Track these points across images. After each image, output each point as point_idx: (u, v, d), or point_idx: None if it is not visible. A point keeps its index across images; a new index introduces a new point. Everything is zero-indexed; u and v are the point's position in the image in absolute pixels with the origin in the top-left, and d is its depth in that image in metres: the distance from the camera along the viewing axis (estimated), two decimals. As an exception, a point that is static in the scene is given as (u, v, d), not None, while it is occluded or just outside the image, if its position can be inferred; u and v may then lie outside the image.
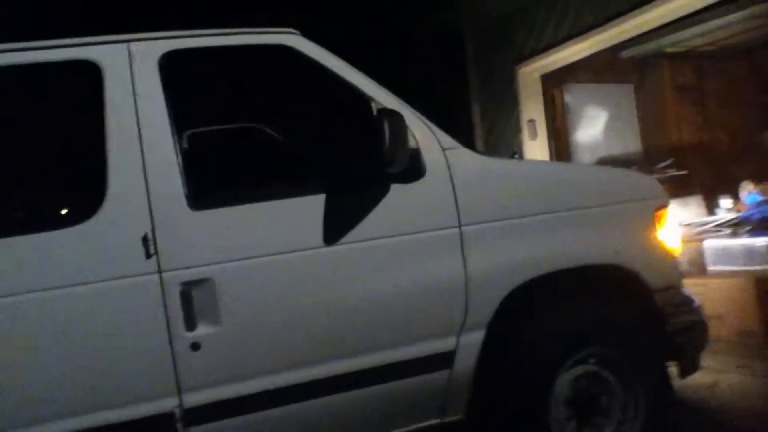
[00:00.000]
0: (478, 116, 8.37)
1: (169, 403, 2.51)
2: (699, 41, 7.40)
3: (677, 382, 3.25)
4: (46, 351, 2.40)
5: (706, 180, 7.36)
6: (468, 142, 3.05)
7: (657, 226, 3.22)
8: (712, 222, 6.27)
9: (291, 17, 2.81)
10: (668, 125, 8.20)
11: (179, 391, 2.52)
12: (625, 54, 7.49)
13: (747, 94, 8.14)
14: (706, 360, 3.41)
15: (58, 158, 2.77)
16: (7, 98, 2.65)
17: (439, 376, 2.83)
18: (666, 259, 3.25)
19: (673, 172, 7.23)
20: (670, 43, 7.28)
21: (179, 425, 2.51)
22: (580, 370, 3.02)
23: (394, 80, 2.90)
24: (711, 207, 6.71)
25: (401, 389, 2.77)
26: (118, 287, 2.46)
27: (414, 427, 2.89)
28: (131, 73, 2.59)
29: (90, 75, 2.55)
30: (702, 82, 8.29)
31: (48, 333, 2.40)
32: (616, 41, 6.63)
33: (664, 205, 3.29)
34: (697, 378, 3.64)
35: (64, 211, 2.65)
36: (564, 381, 2.98)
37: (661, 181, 3.57)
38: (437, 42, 8.14)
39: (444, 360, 2.83)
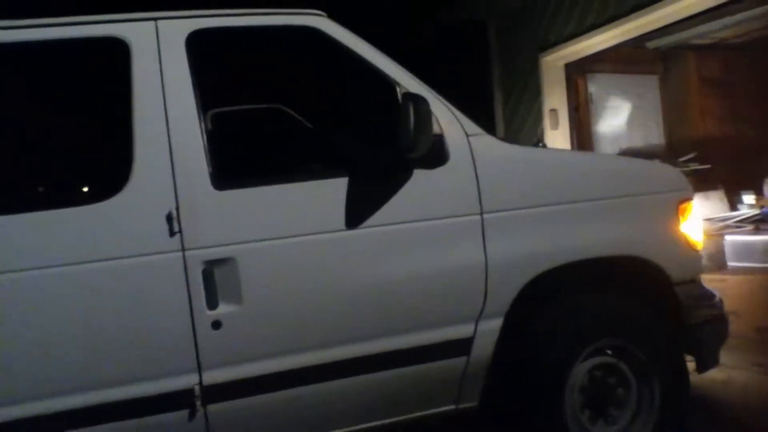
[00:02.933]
0: (500, 104, 8.32)
1: (188, 380, 2.54)
2: (727, 33, 7.28)
3: (693, 377, 3.24)
4: (68, 325, 2.43)
5: (730, 175, 7.27)
6: (490, 130, 3.03)
7: (680, 218, 3.19)
8: (734, 217, 6.21)
9: (312, 6, 2.80)
10: (693, 118, 8.12)
11: (199, 369, 2.55)
12: (651, 45, 7.40)
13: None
14: (722, 356, 3.37)
15: (84, 135, 2.79)
16: (33, 74, 2.67)
17: (455, 363, 2.85)
18: (688, 252, 3.22)
19: (695, 166, 7.17)
20: (696, 34, 7.17)
21: (198, 402, 2.54)
22: (596, 360, 3.02)
23: (417, 69, 2.88)
24: (733, 202, 6.64)
25: (418, 374, 2.79)
26: (141, 264, 2.49)
27: (429, 412, 2.91)
28: (158, 50, 2.60)
29: (117, 52, 2.56)
30: (729, 74, 8.18)
31: (71, 308, 2.43)
32: (641, 32, 6.54)
33: (689, 198, 3.26)
34: (712, 374, 3.61)
35: (89, 188, 2.67)
36: (580, 371, 2.97)
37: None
38: (460, 30, 8.09)
39: (461, 347, 2.84)
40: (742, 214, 6.15)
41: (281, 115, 2.95)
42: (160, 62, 2.59)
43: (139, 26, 2.62)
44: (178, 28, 2.64)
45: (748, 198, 6.40)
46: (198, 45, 2.64)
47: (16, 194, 2.59)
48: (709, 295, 3.31)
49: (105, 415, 2.47)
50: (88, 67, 2.68)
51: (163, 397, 2.52)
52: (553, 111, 7.48)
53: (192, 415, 2.55)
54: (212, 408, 2.57)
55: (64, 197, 2.58)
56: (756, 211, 6.07)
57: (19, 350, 2.38)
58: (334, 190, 2.68)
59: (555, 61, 7.52)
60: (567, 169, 3.10)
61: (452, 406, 2.93)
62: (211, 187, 2.56)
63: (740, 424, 3.71)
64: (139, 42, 2.59)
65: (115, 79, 2.58)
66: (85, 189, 2.67)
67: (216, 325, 2.54)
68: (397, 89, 2.76)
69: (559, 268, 2.92)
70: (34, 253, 2.40)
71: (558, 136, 7.46)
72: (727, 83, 8.22)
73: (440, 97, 2.86)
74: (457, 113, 2.88)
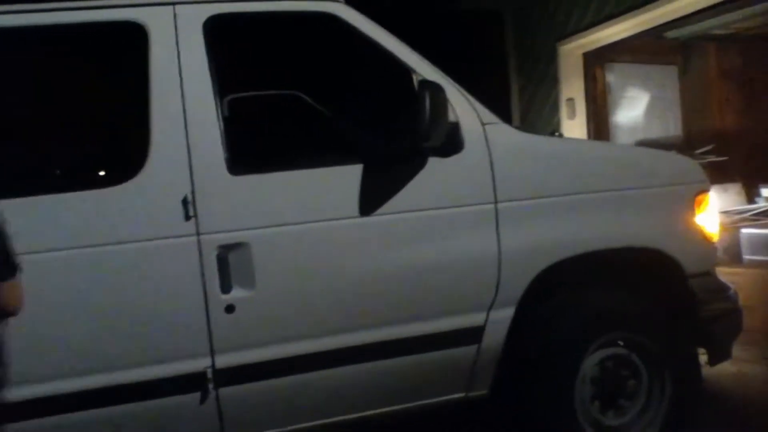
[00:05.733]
0: (517, 93, 8.26)
1: (201, 363, 2.56)
2: (749, 24, 7.16)
3: (705, 370, 3.23)
4: (83, 306, 2.46)
5: (749, 167, 7.18)
6: (505, 119, 3.02)
7: (696, 210, 3.17)
8: (750, 210, 6.15)
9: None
10: (711, 110, 8.02)
11: (212, 352, 2.57)
12: (671, 35, 7.29)
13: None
14: (735, 350, 3.36)
15: (101, 119, 2.80)
16: (50, 58, 2.68)
17: (466, 351, 2.85)
18: (704, 244, 3.20)
19: (712, 158, 7.08)
20: (717, 25, 7.05)
21: (210, 385, 2.56)
22: (608, 351, 3.01)
23: (433, 56, 2.87)
24: (751, 195, 6.57)
25: (429, 362, 2.79)
26: (156, 247, 2.51)
27: (439, 400, 2.92)
28: (176, 35, 2.60)
29: (135, 36, 2.57)
30: (750, 66, 8.05)
31: (86, 289, 2.46)
32: (661, 21, 6.44)
33: (705, 190, 3.23)
34: (724, 367, 3.59)
35: (106, 172, 2.68)
36: (591, 362, 2.98)
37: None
38: (478, 17, 8.03)
39: (472, 335, 2.84)
40: (760, 207, 6.09)
41: (298, 102, 2.95)
42: (177, 47, 2.59)
43: (157, 11, 2.62)
44: (195, 12, 2.64)
45: (766, 191, 6.34)
46: (215, 30, 2.64)
47: (35, 177, 2.61)
48: (723, 288, 3.30)
49: (118, 396, 2.50)
50: (106, 52, 2.68)
51: (175, 380, 2.55)
52: (570, 100, 7.42)
53: (204, 398, 2.57)
54: (224, 391, 2.60)
55: (81, 181, 2.60)
56: (776, 204, 6.01)
57: (33, 332, 2.40)
58: (348, 177, 2.68)
59: (573, 50, 7.44)
60: (583, 158, 3.09)
61: (462, 394, 2.94)
62: (226, 173, 2.57)
63: (751, 417, 3.69)
64: (157, 26, 2.59)
65: (132, 63, 2.58)
66: (102, 173, 2.69)
67: (229, 309, 2.56)
68: (414, 77, 2.75)
69: (573, 259, 2.91)
70: (52, 235, 2.43)
71: (575, 126, 7.40)
72: (748, 75, 8.09)
73: (456, 85, 2.85)
74: (473, 101, 2.87)
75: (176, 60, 2.58)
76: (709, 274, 3.25)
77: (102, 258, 2.47)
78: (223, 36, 2.66)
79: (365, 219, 2.69)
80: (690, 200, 3.17)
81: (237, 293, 2.57)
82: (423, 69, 2.79)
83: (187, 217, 2.52)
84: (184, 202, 2.52)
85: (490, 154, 2.82)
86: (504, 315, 2.86)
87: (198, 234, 2.53)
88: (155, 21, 2.60)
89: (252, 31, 2.81)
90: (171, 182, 2.53)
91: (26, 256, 2.36)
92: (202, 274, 2.53)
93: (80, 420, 2.47)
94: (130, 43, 2.58)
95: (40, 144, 2.68)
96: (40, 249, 2.40)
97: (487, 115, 2.88)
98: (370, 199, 2.68)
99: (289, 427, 2.75)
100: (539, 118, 7.86)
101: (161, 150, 2.53)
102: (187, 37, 2.61)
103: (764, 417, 3.68)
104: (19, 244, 2.36)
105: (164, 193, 2.52)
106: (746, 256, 5.57)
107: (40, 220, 2.42)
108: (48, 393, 2.42)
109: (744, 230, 5.69)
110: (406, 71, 2.78)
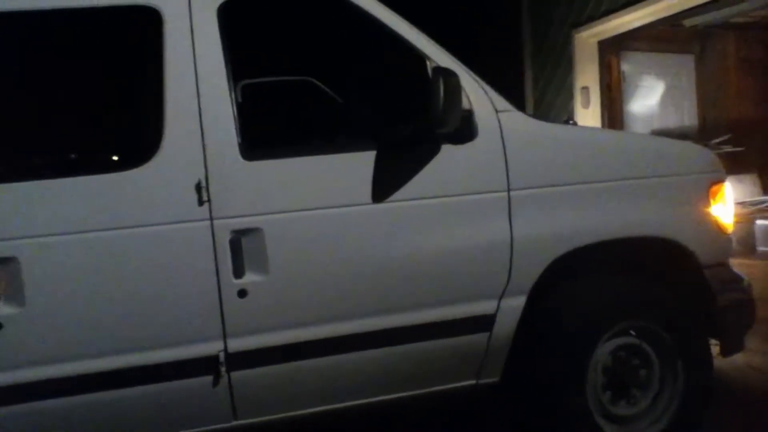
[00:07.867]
0: (531, 80, 8.22)
1: (214, 347, 2.58)
2: (768, 12, 7.08)
3: (717, 361, 3.20)
4: (97, 290, 2.48)
5: (765, 158, 7.11)
6: (519, 107, 3.00)
7: (712, 201, 3.14)
8: (766, 202, 6.10)
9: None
10: (729, 99, 7.94)
11: (224, 336, 2.59)
12: (688, 23, 7.22)
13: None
14: (748, 341, 3.34)
15: (116, 104, 2.81)
16: (65, 41, 2.68)
17: (477, 339, 2.85)
18: (718, 235, 3.18)
19: (729, 148, 7.02)
20: (737, 12, 6.97)
21: (223, 369, 2.58)
22: (620, 341, 3.00)
23: (447, 43, 2.86)
24: (766, 186, 6.52)
25: (440, 348, 2.80)
26: (170, 232, 2.52)
27: (450, 386, 2.92)
28: (191, 20, 2.60)
29: (150, 21, 2.56)
30: (770, 55, 7.97)
31: (99, 273, 2.48)
32: (679, 9, 6.38)
33: (721, 180, 3.21)
34: (737, 358, 3.57)
35: (121, 156, 2.69)
36: (603, 351, 2.97)
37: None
38: (492, 3, 7.98)
39: (484, 323, 2.84)
40: (776, 199, 6.05)
41: (311, 88, 2.96)
42: (192, 32, 2.59)
43: None
44: None
45: (783, 182, 6.29)
46: (230, 15, 2.63)
47: (50, 160, 2.63)
48: (737, 279, 3.27)
49: (130, 379, 2.53)
50: (121, 36, 2.68)
51: (188, 363, 2.57)
52: (585, 89, 7.37)
53: (216, 382, 2.60)
54: (236, 375, 2.62)
55: (96, 164, 2.62)
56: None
57: (45, 315, 2.43)
58: (361, 164, 2.68)
59: (588, 38, 7.39)
60: (597, 147, 3.06)
61: (473, 381, 2.95)
62: (240, 158, 2.58)
63: (763, 409, 3.68)
64: (172, 11, 2.59)
65: (147, 48, 2.58)
66: (117, 157, 2.70)
67: (242, 293, 2.57)
68: (428, 63, 2.74)
69: (586, 248, 2.90)
70: (66, 218, 2.45)
71: (589, 115, 7.36)
72: (767, 63, 8.01)
73: (470, 72, 2.84)
74: (487, 88, 2.86)
75: (191, 45, 2.58)
76: (723, 265, 3.23)
77: (115, 242, 2.48)
78: (238, 21, 2.66)
79: (378, 205, 2.69)
80: (705, 190, 3.15)
81: (250, 278, 2.58)
82: (437, 55, 2.77)
83: (201, 202, 2.53)
84: (198, 186, 2.53)
85: (503, 142, 2.81)
86: (515, 303, 2.86)
87: (211, 219, 2.54)
88: (170, 5, 2.59)
89: (267, 17, 2.80)
90: (185, 167, 2.54)
91: (40, 239, 2.42)
92: (215, 259, 2.55)
93: (93, 401, 2.50)
94: (144, 27, 2.58)
95: (54, 128, 2.69)
96: (54, 232, 2.43)
97: (501, 103, 2.87)
98: (383, 186, 2.68)
99: (300, 411, 2.77)
100: (553, 106, 7.82)
101: (175, 135, 2.54)
102: (202, 22, 2.60)
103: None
104: (33, 228, 2.41)
105: (178, 177, 2.53)
106: (760, 248, 5.53)
107: (54, 204, 2.44)
108: (59, 375, 2.45)
109: (759, 221, 5.65)
110: (420, 57, 2.77)
